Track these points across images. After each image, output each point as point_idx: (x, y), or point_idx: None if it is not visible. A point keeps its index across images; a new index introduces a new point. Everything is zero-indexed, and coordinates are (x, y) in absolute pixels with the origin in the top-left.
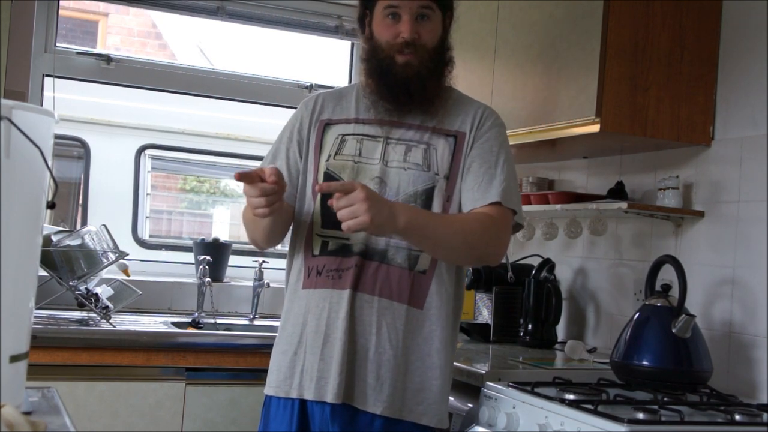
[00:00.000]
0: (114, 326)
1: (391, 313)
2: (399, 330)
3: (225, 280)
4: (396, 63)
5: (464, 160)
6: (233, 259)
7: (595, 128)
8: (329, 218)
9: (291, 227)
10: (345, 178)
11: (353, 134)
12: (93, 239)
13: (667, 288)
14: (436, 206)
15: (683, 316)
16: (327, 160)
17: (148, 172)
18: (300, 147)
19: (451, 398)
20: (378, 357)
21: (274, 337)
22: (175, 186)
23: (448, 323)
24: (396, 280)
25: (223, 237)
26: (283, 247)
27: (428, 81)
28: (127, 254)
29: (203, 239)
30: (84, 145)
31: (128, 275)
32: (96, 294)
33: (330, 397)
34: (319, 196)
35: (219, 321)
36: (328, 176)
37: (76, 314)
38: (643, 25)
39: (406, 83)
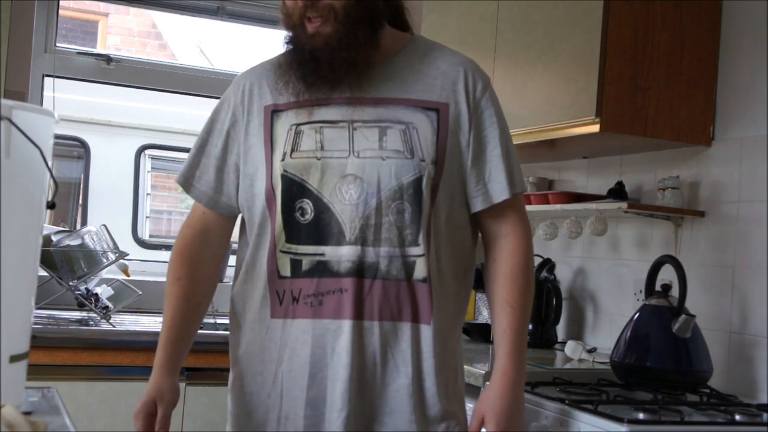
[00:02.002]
0: (114, 326)
1: (395, 336)
2: (406, 353)
3: (225, 280)
4: (305, 33)
5: (455, 139)
6: (233, 259)
7: (595, 128)
8: (296, 230)
9: (240, 243)
10: (310, 180)
11: (309, 122)
12: (93, 239)
13: (667, 288)
14: (425, 199)
15: (683, 316)
16: (282, 160)
17: (148, 172)
18: (238, 147)
19: None
20: (386, 389)
21: None
22: (175, 186)
23: (456, 329)
24: (394, 296)
25: None
26: None
27: (349, 49)
28: (127, 254)
29: None
30: (84, 145)
31: (128, 275)
32: (96, 294)
33: None
34: (279, 203)
35: (219, 321)
36: (287, 179)
37: (76, 314)
38: (643, 25)
39: (320, 57)
